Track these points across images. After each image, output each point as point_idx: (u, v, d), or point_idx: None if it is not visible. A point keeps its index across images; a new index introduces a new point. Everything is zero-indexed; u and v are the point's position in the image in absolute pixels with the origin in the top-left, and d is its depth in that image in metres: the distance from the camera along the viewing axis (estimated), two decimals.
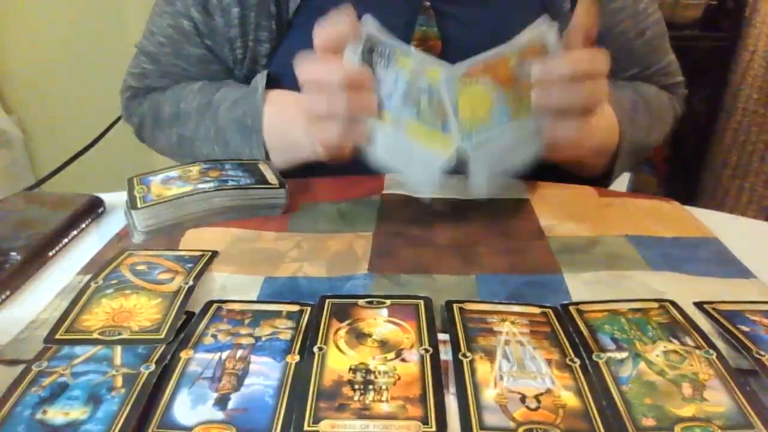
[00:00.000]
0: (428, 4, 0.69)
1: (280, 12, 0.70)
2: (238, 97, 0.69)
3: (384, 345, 0.39)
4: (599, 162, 0.73)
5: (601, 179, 0.78)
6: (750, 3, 1.58)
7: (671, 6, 1.60)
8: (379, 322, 0.42)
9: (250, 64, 0.73)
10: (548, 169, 0.63)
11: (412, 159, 0.53)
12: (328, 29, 0.53)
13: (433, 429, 0.33)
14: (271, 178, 0.60)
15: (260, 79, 0.69)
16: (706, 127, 1.71)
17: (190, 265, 0.48)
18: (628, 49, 0.77)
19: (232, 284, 0.47)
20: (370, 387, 0.36)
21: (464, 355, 0.38)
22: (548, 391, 0.36)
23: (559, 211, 0.59)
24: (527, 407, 0.35)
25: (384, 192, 0.62)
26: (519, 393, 0.35)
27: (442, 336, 0.41)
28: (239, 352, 0.39)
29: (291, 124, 0.66)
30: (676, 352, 0.39)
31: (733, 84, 1.64)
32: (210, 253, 0.51)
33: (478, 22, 0.70)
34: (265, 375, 0.37)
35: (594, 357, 0.38)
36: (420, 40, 0.68)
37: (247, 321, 0.42)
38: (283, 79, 0.71)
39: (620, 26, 0.75)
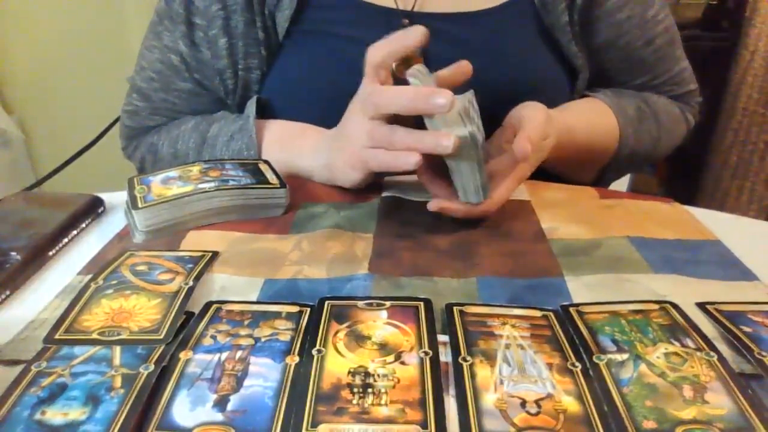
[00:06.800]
0: (407, 22, 0.67)
1: (268, 37, 0.69)
2: (234, 131, 0.69)
3: (383, 347, 0.39)
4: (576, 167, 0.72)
5: (595, 182, 0.78)
6: (750, 3, 1.57)
7: (671, 6, 1.60)
8: (378, 324, 0.41)
9: (242, 92, 0.72)
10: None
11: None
12: (394, 45, 0.54)
13: None
14: (272, 178, 0.60)
15: (250, 107, 0.68)
16: (706, 127, 1.71)
17: (190, 266, 0.48)
18: (635, 59, 0.76)
19: (232, 285, 0.47)
20: (369, 390, 0.35)
21: (464, 359, 0.38)
22: (549, 396, 0.35)
23: (560, 213, 0.59)
24: (527, 412, 0.34)
25: (383, 194, 0.62)
26: (519, 398, 0.35)
27: (442, 337, 0.41)
28: (238, 353, 0.38)
29: (298, 154, 0.67)
30: (676, 354, 0.39)
31: (733, 84, 1.64)
32: (210, 254, 0.51)
33: (468, 41, 0.68)
34: (264, 376, 0.37)
35: (594, 359, 0.38)
36: (402, 61, 0.67)
37: (246, 322, 0.42)
38: (274, 103, 0.70)
39: (626, 37, 0.74)
